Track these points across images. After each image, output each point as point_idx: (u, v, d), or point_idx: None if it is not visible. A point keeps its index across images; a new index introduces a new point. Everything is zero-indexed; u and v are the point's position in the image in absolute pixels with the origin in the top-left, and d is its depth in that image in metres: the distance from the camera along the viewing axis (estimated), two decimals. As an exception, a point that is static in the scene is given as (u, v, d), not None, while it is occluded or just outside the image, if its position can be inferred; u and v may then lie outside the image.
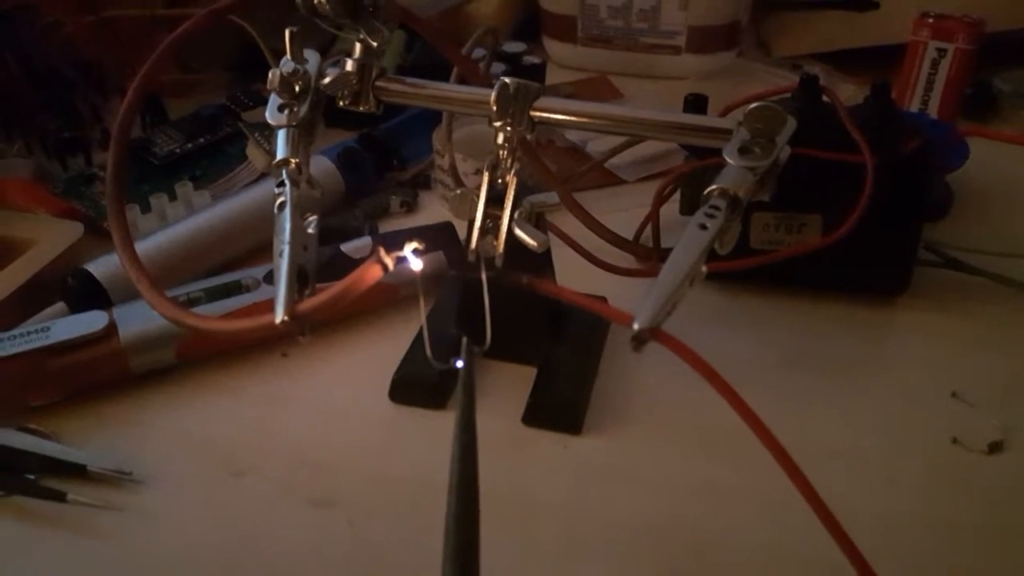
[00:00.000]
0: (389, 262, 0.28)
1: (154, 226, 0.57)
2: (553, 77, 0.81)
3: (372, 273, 0.29)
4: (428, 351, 0.36)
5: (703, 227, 0.33)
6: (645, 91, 0.81)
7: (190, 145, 0.66)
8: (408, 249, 0.29)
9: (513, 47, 0.78)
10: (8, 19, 0.68)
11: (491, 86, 0.40)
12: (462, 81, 0.53)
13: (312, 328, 0.33)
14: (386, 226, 0.61)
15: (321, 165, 0.61)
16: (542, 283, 0.36)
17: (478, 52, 0.63)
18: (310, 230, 0.37)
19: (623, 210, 0.60)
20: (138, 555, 0.38)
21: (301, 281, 0.34)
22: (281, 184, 0.38)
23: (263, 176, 0.64)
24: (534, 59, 0.78)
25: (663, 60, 0.83)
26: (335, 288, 0.31)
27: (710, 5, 0.80)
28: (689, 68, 0.83)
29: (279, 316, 0.32)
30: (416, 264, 0.29)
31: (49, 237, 0.53)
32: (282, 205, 0.37)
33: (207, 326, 0.36)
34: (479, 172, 0.60)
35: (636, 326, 0.29)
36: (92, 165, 0.67)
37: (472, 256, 0.40)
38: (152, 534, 0.39)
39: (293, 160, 0.39)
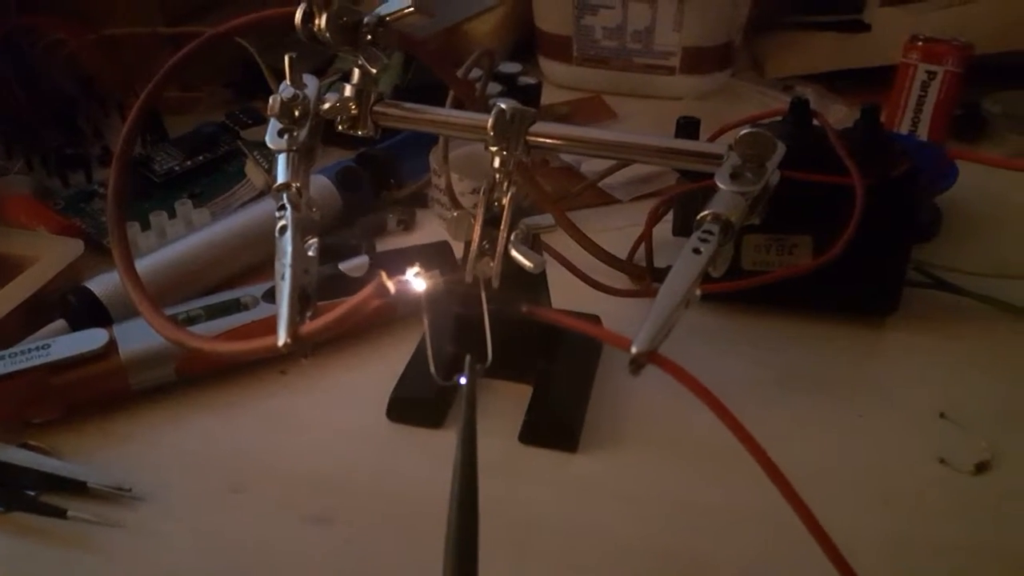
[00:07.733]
0: (391, 287, 0.29)
1: (154, 243, 0.57)
2: (548, 97, 0.82)
3: (373, 299, 0.29)
4: (432, 368, 0.36)
5: (697, 251, 0.34)
6: (639, 111, 0.82)
7: (189, 163, 0.67)
8: (410, 274, 0.30)
9: (509, 67, 0.79)
10: (10, 37, 0.68)
11: (487, 107, 0.40)
12: (458, 103, 0.54)
13: (313, 349, 0.34)
14: (383, 244, 0.61)
15: (319, 184, 0.61)
16: (541, 311, 0.36)
17: (475, 73, 0.64)
18: (311, 253, 0.37)
19: (616, 229, 0.61)
20: (138, 571, 0.39)
21: (302, 303, 0.35)
22: (282, 208, 0.38)
23: (262, 194, 0.65)
24: (530, 79, 0.79)
25: (657, 80, 0.84)
26: (336, 312, 0.31)
27: (704, 26, 0.81)
28: (683, 88, 0.84)
29: (282, 338, 0.33)
30: (419, 286, 0.30)
31: (50, 254, 0.54)
32: (283, 229, 0.37)
33: (210, 347, 0.36)
34: (475, 192, 0.61)
35: (634, 350, 0.30)
36: (92, 182, 0.67)
37: (469, 278, 0.41)
38: (152, 550, 0.40)
39: (294, 184, 0.40)
